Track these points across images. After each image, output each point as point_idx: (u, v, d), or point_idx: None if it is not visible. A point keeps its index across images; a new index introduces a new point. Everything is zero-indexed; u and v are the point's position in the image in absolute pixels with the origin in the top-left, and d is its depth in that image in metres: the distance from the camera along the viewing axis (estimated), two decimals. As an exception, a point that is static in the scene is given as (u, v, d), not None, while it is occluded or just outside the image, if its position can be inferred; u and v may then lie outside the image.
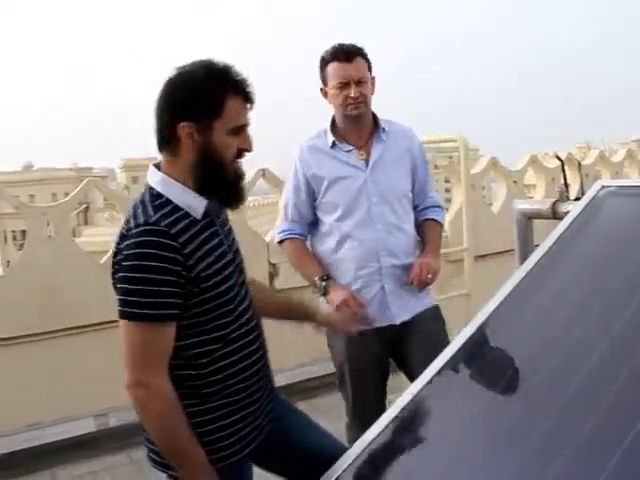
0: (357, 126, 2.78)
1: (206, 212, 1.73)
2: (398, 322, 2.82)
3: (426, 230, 2.97)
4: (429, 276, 2.73)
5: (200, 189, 1.70)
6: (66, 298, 5.01)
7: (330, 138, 2.80)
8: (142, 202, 1.72)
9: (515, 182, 7.11)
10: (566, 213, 2.24)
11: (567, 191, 2.51)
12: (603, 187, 2.20)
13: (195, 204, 1.70)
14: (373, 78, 2.77)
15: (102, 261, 5.24)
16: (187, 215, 1.68)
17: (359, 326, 2.34)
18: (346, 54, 2.67)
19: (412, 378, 2.84)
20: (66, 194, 5.48)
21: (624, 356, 1.54)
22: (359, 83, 2.66)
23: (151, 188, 1.73)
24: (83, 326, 5.04)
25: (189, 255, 1.61)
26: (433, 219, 2.98)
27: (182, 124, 1.65)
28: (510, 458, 1.45)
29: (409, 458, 1.65)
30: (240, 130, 1.72)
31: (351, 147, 2.78)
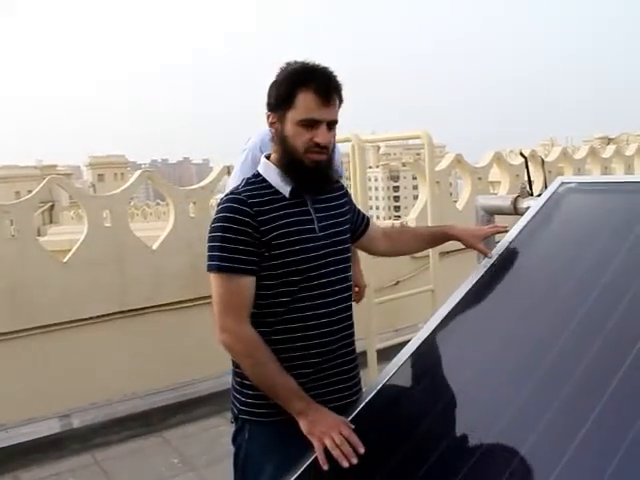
0: None
1: (297, 193, 1.92)
2: None
3: None
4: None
5: (284, 173, 1.92)
6: (30, 298, 4.93)
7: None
8: (244, 179, 1.99)
9: (480, 179, 7.19)
10: (527, 209, 2.27)
11: (531, 187, 2.55)
12: (563, 184, 2.25)
13: (283, 185, 1.92)
14: None
15: (65, 259, 5.19)
16: (276, 192, 1.91)
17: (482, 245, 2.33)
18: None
19: None
20: (30, 193, 5.39)
21: (582, 341, 1.58)
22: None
23: (257, 170, 1.99)
24: (47, 325, 4.98)
25: (262, 222, 1.84)
26: None
27: (267, 114, 1.92)
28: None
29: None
30: (314, 124, 1.85)
31: None
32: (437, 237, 2.37)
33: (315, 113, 1.84)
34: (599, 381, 1.46)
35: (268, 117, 1.91)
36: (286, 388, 1.84)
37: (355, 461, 1.62)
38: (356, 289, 3.26)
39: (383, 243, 2.29)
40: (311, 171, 1.89)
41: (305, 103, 1.83)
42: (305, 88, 1.83)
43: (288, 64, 1.90)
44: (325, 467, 1.64)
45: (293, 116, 1.84)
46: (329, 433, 1.71)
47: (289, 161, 1.89)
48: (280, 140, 1.90)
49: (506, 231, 2.17)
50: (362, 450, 1.65)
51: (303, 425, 1.79)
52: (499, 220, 2.58)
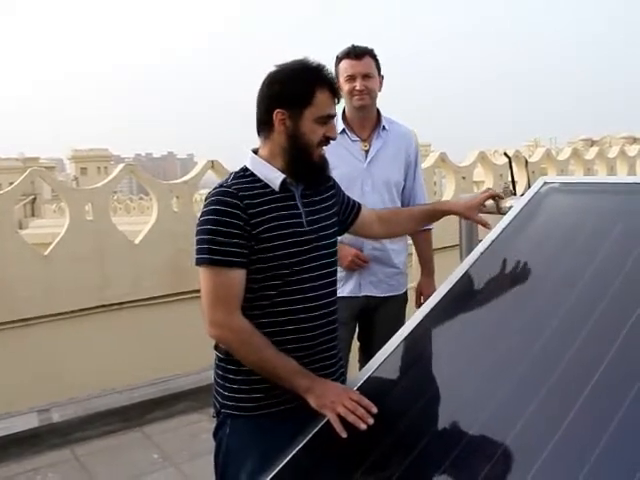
0: (361, 118, 3.07)
1: (286, 187, 1.93)
2: (366, 294, 3.08)
3: (423, 246, 3.33)
4: None
5: (288, 169, 1.92)
6: (9, 291, 4.90)
7: (340, 125, 3.02)
8: (231, 173, 2.00)
9: (464, 178, 7.22)
10: (509, 208, 2.28)
11: (514, 187, 2.56)
12: (545, 183, 2.25)
13: (273, 178, 1.92)
14: (382, 77, 3.07)
15: (46, 253, 5.14)
16: (265, 186, 1.92)
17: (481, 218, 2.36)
18: (356, 52, 2.97)
19: (366, 349, 3.18)
20: (11, 185, 5.35)
21: (562, 339, 1.59)
22: (365, 77, 2.96)
23: (244, 165, 1.99)
24: (26, 319, 4.94)
25: (252, 215, 1.85)
26: (429, 229, 3.22)
27: (277, 111, 1.88)
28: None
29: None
30: (327, 119, 1.93)
31: (357, 138, 3.06)
32: (432, 214, 2.40)
33: (333, 109, 1.94)
34: (581, 375, 1.47)
35: (276, 114, 1.88)
36: (287, 369, 1.84)
37: (371, 421, 1.63)
38: (421, 298, 3.25)
39: (377, 226, 2.32)
40: (319, 165, 1.96)
41: (323, 100, 1.89)
42: (321, 86, 1.89)
43: (302, 61, 1.92)
44: (344, 435, 1.63)
45: (312, 113, 1.88)
46: (340, 401, 1.70)
47: (298, 156, 1.91)
48: (291, 136, 1.90)
49: (500, 197, 2.19)
50: (375, 410, 1.65)
51: (312, 401, 1.78)
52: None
